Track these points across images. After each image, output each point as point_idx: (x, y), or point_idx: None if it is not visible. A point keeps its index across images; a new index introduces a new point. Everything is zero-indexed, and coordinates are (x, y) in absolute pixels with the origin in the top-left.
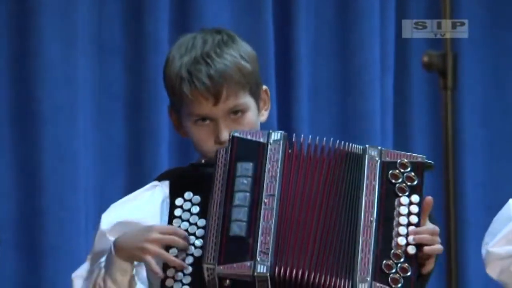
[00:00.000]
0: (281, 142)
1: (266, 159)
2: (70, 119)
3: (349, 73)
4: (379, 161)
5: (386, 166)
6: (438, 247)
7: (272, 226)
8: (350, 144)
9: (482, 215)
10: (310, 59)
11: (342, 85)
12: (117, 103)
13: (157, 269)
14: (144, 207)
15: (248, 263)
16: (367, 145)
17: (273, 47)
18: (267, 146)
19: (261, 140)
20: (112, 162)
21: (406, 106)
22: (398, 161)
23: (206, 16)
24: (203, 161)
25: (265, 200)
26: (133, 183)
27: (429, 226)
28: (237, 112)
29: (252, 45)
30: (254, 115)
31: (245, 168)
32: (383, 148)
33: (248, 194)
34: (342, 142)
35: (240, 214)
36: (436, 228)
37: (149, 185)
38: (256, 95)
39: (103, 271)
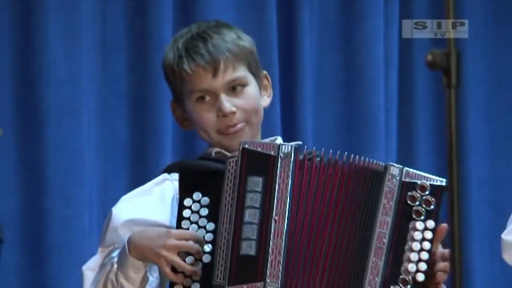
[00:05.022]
0: (292, 155)
1: (276, 174)
2: (74, 116)
3: (353, 71)
4: (399, 180)
5: (405, 187)
6: (445, 275)
7: (282, 245)
8: (371, 160)
9: (485, 213)
10: (314, 56)
11: (346, 83)
12: (121, 100)
13: (174, 277)
14: (155, 204)
15: (258, 284)
16: (390, 163)
17: (277, 44)
18: (278, 160)
19: (272, 153)
20: (116, 159)
21: (410, 103)
22: (418, 182)
23: (210, 13)
24: (213, 153)
25: (275, 218)
26: (137, 180)
27: (441, 251)
28: (238, 86)
29: (256, 43)
30: (256, 91)
31: (255, 182)
32: (404, 168)
33: (258, 210)
34: (363, 158)
35: (250, 232)
36: (447, 252)
37: (159, 179)
38: (256, 75)
39: (115, 266)
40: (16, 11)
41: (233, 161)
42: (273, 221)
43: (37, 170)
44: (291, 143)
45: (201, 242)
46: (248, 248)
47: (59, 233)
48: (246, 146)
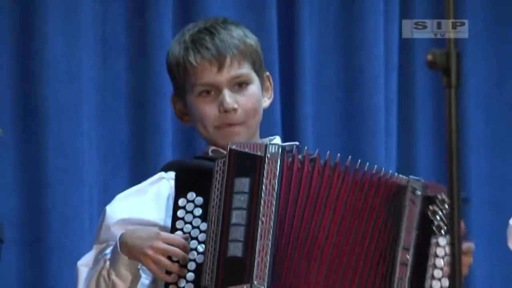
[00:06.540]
0: (279, 155)
1: (263, 174)
2: (74, 116)
3: (353, 71)
4: (420, 195)
5: (426, 201)
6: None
7: (269, 246)
8: (393, 173)
9: (485, 213)
10: (314, 56)
11: (346, 83)
12: (121, 100)
13: (164, 276)
14: (149, 204)
15: (244, 286)
16: (410, 176)
17: (277, 44)
18: (265, 160)
19: (259, 153)
20: (116, 159)
21: (410, 103)
22: (438, 196)
23: (210, 14)
24: (210, 151)
25: (262, 219)
26: (137, 180)
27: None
28: (241, 84)
29: None
30: (258, 91)
31: (243, 183)
32: (424, 181)
33: (244, 211)
34: (385, 171)
35: (237, 233)
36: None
37: (155, 178)
38: (260, 74)
39: (108, 263)
40: (16, 11)
41: (221, 162)
42: (260, 222)
43: (37, 170)
44: (286, 143)
45: (187, 250)
46: (236, 249)
47: (59, 233)
48: (234, 147)
